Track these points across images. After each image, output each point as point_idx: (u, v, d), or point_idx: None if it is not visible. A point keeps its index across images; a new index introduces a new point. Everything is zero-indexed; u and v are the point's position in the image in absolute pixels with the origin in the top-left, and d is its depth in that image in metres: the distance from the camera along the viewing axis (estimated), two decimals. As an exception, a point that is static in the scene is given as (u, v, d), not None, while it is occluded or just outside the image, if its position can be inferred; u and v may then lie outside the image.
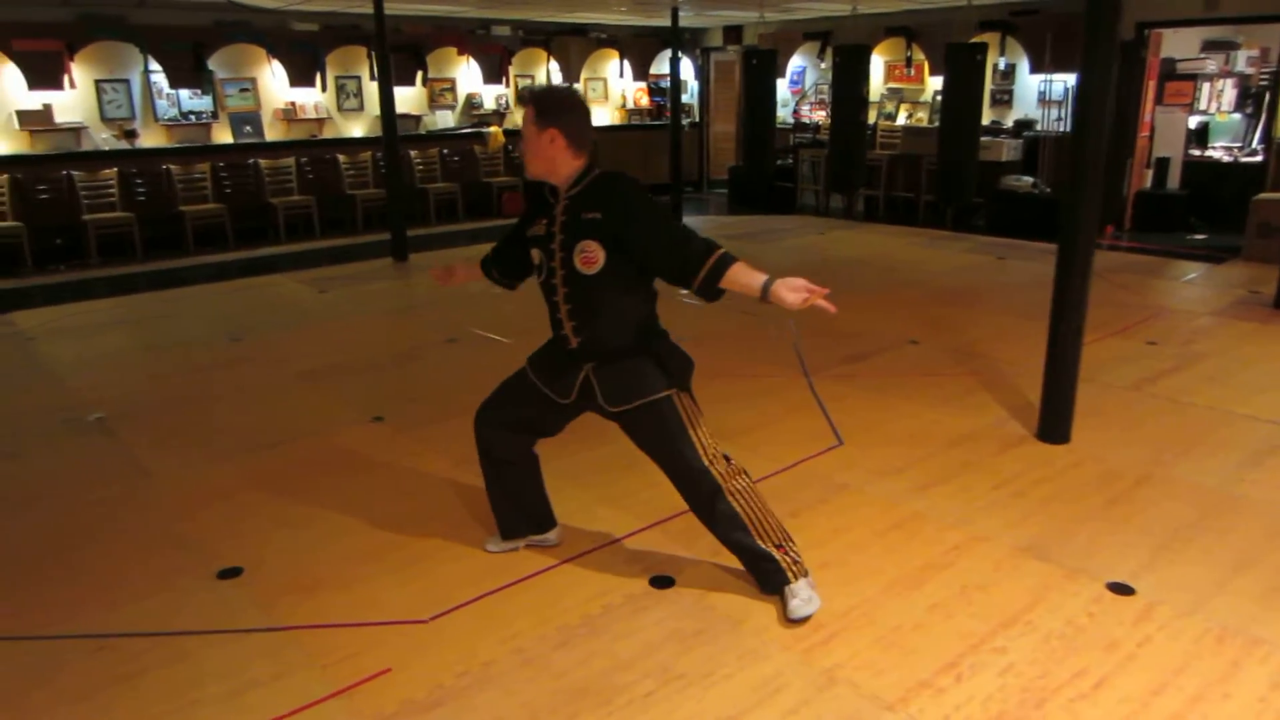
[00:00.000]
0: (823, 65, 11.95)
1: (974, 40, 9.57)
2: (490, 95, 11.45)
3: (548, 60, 11.83)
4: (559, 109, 2.48)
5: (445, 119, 11.06)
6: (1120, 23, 3.58)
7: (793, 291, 2.27)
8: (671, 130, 11.18)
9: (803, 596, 2.58)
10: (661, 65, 12.79)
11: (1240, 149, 9.36)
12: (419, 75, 10.63)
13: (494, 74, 11.33)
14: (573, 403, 2.65)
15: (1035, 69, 9.81)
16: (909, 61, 10.98)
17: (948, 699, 2.26)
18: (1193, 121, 9.35)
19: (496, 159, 11.10)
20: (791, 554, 2.62)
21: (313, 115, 9.93)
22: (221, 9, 8.95)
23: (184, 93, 9.08)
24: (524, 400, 2.74)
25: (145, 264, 8.29)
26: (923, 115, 11.00)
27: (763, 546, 2.59)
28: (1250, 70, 9.51)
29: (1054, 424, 3.85)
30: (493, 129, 11.04)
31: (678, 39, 11.08)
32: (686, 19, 11.69)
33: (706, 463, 2.55)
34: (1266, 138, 8.84)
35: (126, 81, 8.77)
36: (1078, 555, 2.92)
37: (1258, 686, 2.29)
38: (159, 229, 8.73)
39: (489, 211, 10.75)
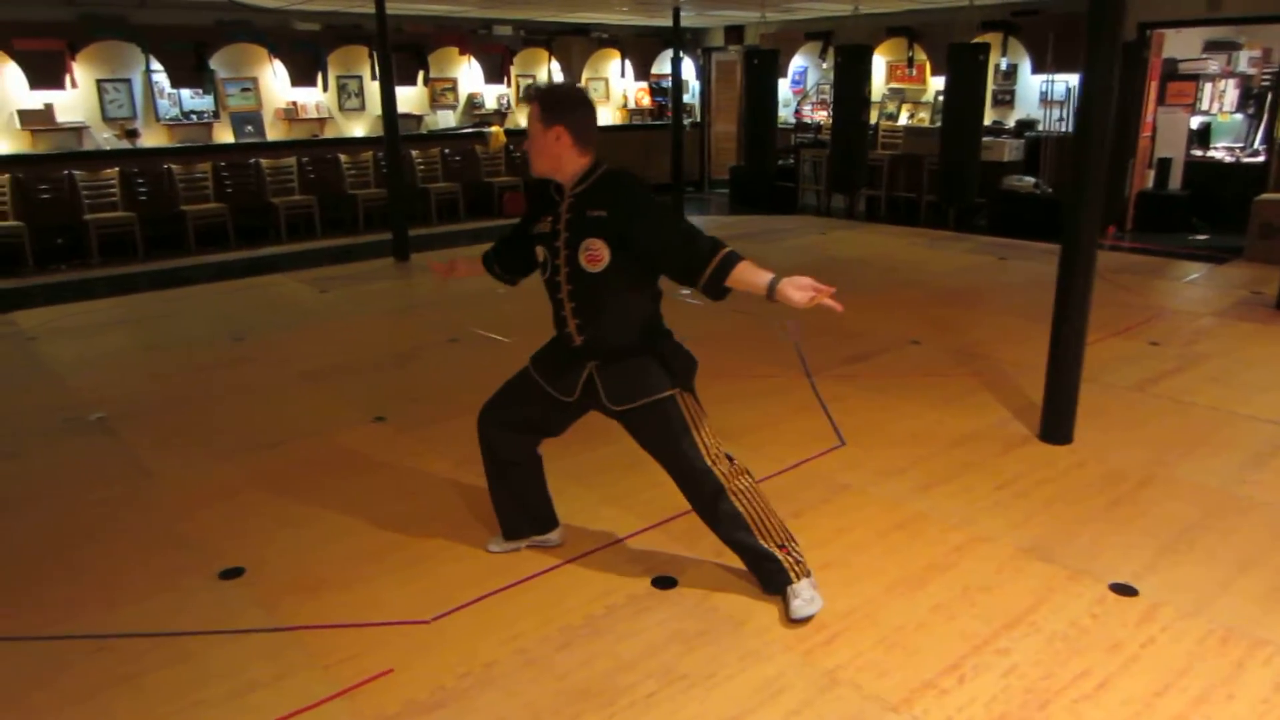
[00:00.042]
0: (824, 65, 11.94)
1: (976, 40, 9.56)
2: (492, 95, 11.45)
3: (549, 60, 11.83)
4: (564, 106, 2.46)
5: (447, 119, 11.05)
6: (1123, 23, 3.57)
7: (799, 290, 2.25)
8: (673, 130, 11.18)
9: (805, 597, 2.58)
10: (663, 65, 12.78)
11: (1242, 149, 9.35)
12: (420, 75, 10.62)
13: (495, 74, 11.32)
14: (576, 401, 2.64)
15: (1037, 69, 9.80)
16: (910, 61, 10.97)
17: (951, 700, 2.25)
18: (1195, 122, 9.35)
19: (498, 159, 11.09)
20: (794, 554, 2.62)
21: (314, 115, 9.92)
22: (223, 8, 8.95)
23: (185, 92, 9.08)
24: (527, 399, 2.73)
25: (146, 264, 8.29)
26: (924, 115, 11.00)
27: (765, 546, 2.59)
28: (1252, 71, 9.51)
29: (1056, 424, 3.84)
30: (494, 129, 11.04)
31: (679, 39, 11.08)
32: (688, 19, 11.69)
33: (709, 463, 2.55)
34: (1268, 138, 8.84)
35: (128, 81, 8.77)
36: (1081, 556, 2.92)
37: (1261, 688, 2.29)
38: (160, 228, 8.72)
39: (490, 211, 10.75)
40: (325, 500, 3.43)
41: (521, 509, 2.93)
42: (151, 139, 8.96)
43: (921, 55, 10.84)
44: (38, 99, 8.30)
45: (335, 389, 4.74)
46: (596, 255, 2.45)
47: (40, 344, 5.73)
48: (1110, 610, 2.62)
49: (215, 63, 9.16)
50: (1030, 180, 9.35)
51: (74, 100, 8.50)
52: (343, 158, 9.95)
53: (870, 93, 10.46)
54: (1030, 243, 8.45)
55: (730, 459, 2.61)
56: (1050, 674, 2.34)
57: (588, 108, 2.51)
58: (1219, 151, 9.43)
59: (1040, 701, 2.24)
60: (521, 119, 11.64)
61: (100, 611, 2.72)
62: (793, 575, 2.60)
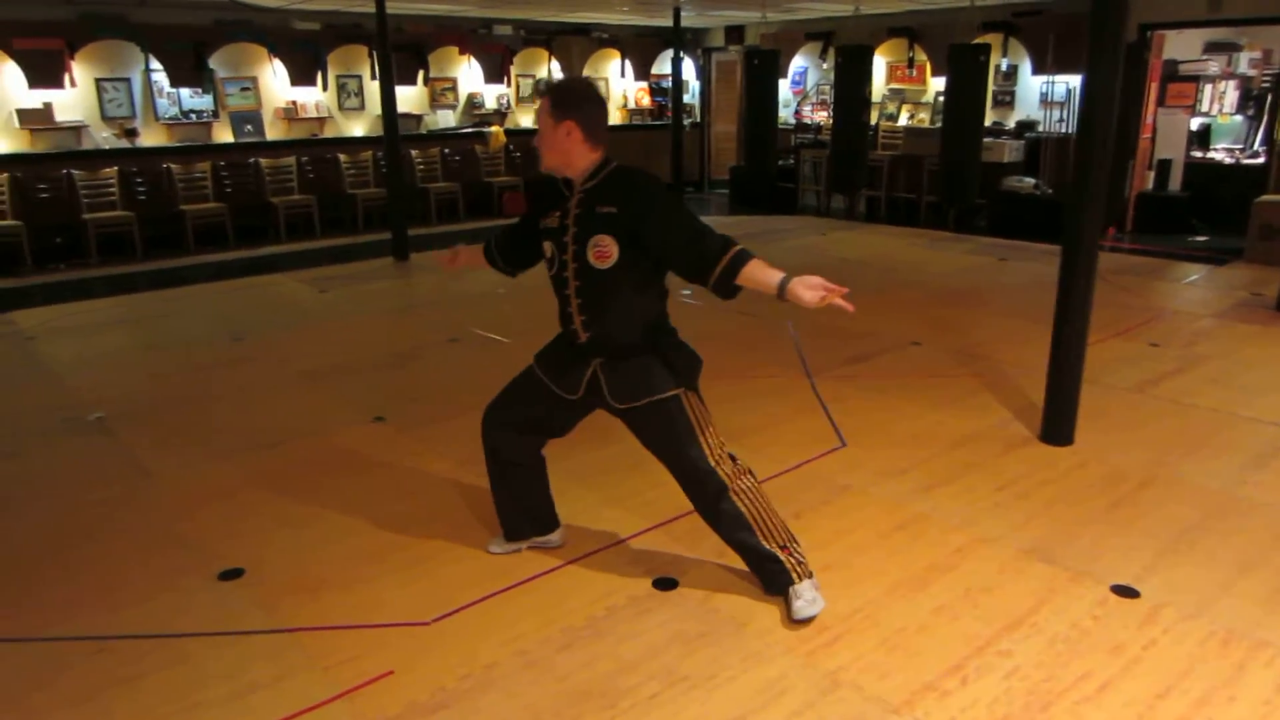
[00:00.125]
0: (824, 66, 11.94)
1: (976, 41, 9.56)
2: (492, 95, 11.44)
3: (549, 60, 11.82)
4: (576, 100, 2.44)
5: (446, 118, 11.05)
6: (1126, 24, 3.57)
7: (810, 290, 2.24)
8: (673, 130, 11.19)
9: (807, 598, 2.57)
10: (663, 65, 12.78)
11: (1242, 151, 9.35)
12: (420, 74, 10.62)
13: (495, 73, 11.32)
14: (580, 399, 2.63)
15: (1037, 70, 9.80)
16: (911, 62, 10.97)
17: (953, 702, 2.25)
18: (1195, 123, 9.35)
19: (497, 159, 11.09)
20: (796, 555, 2.61)
21: (314, 114, 9.91)
22: (222, 8, 8.94)
23: (185, 91, 9.07)
24: (531, 399, 2.72)
25: (145, 263, 8.27)
26: (924, 116, 11.00)
27: (767, 547, 2.58)
28: (1252, 72, 9.51)
29: (1057, 426, 3.84)
30: (494, 129, 11.03)
31: (679, 39, 11.09)
32: (688, 19, 11.68)
33: (713, 463, 2.54)
34: (1268, 140, 8.84)
35: (127, 80, 8.75)
36: (1082, 557, 2.92)
37: (1263, 689, 2.28)
38: (159, 228, 8.71)
39: (490, 211, 10.74)
40: (325, 501, 3.42)
41: (524, 510, 2.92)
42: (150, 138, 8.95)
43: (922, 56, 10.84)
44: (37, 98, 8.29)
45: (335, 389, 4.73)
46: (605, 252, 2.44)
47: (39, 344, 5.72)
48: (1112, 612, 2.62)
49: (215, 62, 9.15)
50: (1030, 181, 9.36)
51: (73, 99, 8.49)
52: (342, 157, 9.94)
53: (870, 93, 10.46)
54: (1030, 243, 8.45)
55: (734, 459, 2.60)
56: (1052, 676, 2.34)
57: (599, 103, 2.48)
58: (1219, 153, 9.44)
59: (1042, 703, 2.24)
60: (521, 119, 11.64)
61: (99, 612, 2.72)
62: (795, 576, 2.59)
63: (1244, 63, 9.47)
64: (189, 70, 8.95)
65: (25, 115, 8.25)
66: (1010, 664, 2.39)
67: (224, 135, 9.37)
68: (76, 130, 8.52)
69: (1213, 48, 9.48)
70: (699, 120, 13.50)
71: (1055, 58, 9.41)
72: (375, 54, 9.38)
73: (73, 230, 8.31)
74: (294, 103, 9.78)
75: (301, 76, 9.72)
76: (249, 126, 9.49)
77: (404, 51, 10.14)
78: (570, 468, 3.46)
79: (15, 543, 3.18)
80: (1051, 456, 3.73)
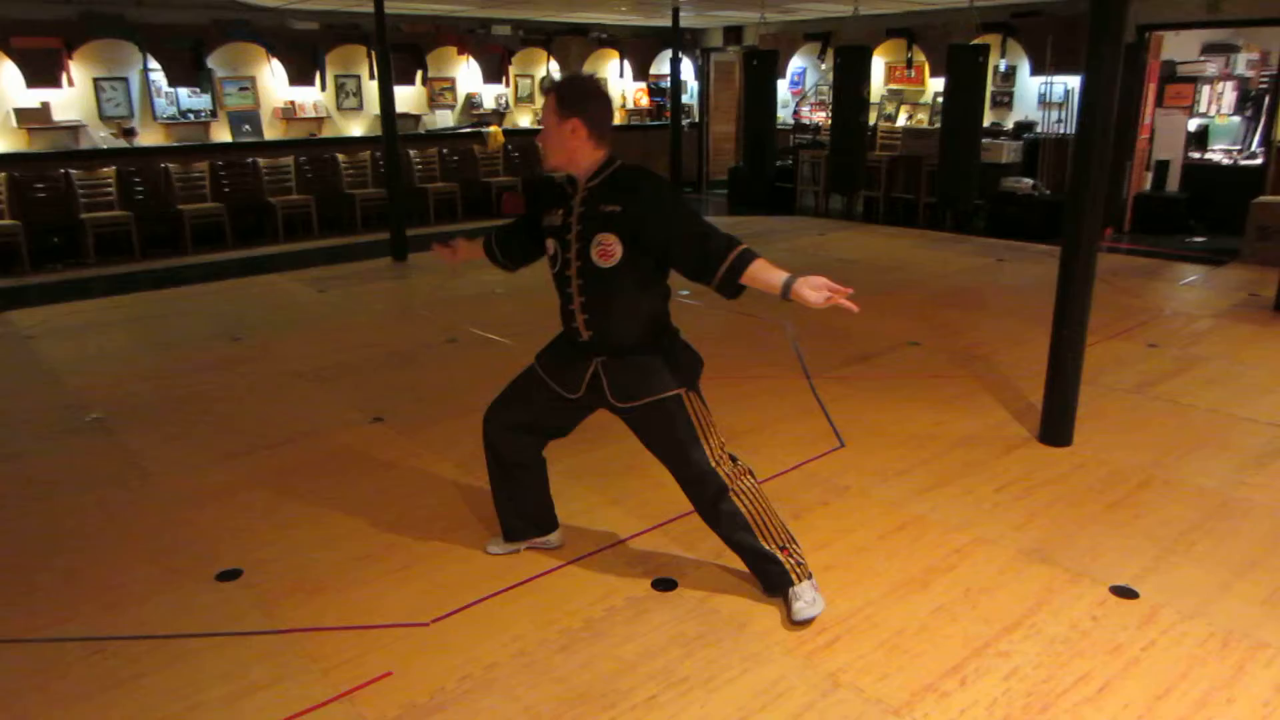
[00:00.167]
0: (823, 66, 11.95)
1: (975, 42, 9.57)
2: (490, 95, 11.43)
3: (547, 60, 11.81)
4: (581, 98, 2.42)
5: (445, 118, 11.04)
6: (1125, 26, 3.57)
7: (815, 290, 2.23)
8: (671, 131, 11.19)
9: (807, 599, 2.57)
10: (662, 65, 12.78)
11: (1239, 152, 9.36)
12: (419, 74, 10.61)
13: (494, 73, 11.31)
14: (581, 398, 2.62)
15: (1036, 71, 9.81)
16: (910, 63, 10.97)
17: (953, 703, 2.25)
18: (1192, 124, 9.36)
19: (496, 158, 11.08)
20: (795, 556, 2.61)
21: (312, 114, 9.90)
22: (221, 7, 8.93)
23: (183, 91, 9.05)
24: (533, 398, 2.71)
25: (143, 263, 8.26)
26: (923, 117, 11.00)
27: (766, 548, 2.58)
28: (1250, 73, 9.53)
29: (1056, 426, 3.84)
30: (492, 128, 11.02)
31: (678, 39, 11.09)
32: (687, 19, 11.68)
33: (713, 463, 2.54)
34: (1266, 141, 8.85)
35: (125, 80, 8.74)
36: (1081, 558, 2.92)
37: (1262, 690, 2.29)
38: (157, 228, 8.70)
39: (488, 211, 10.73)
40: (323, 501, 3.41)
41: (524, 511, 2.91)
42: (148, 138, 8.94)
43: (920, 56, 10.85)
44: (34, 97, 8.27)
45: (333, 389, 4.73)
46: (609, 250, 2.43)
47: (36, 343, 5.71)
48: (1111, 613, 2.62)
49: (213, 62, 9.14)
50: (1028, 182, 9.36)
51: (71, 99, 8.47)
52: (340, 157, 9.93)
53: (869, 94, 10.46)
54: (1028, 244, 8.45)
55: (734, 460, 2.60)
56: (1051, 677, 2.34)
57: (604, 100, 2.47)
58: (1216, 154, 9.45)
59: (1042, 704, 2.24)
60: (519, 119, 11.63)
61: (97, 613, 2.71)
62: (794, 577, 2.59)
63: (1242, 64, 9.48)
64: (187, 70, 8.94)
65: (23, 114, 8.23)
66: (1009, 665, 2.39)
67: (222, 135, 9.36)
68: (74, 130, 8.51)
69: (1211, 49, 9.50)
70: (697, 121, 13.50)
71: (1054, 58, 9.42)
72: (374, 54, 9.39)
73: (70, 230, 8.29)
74: (292, 102, 9.77)
75: (300, 76, 9.71)
76: (247, 126, 9.48)
77: (402, 51, 10.13)
78: (569, 468, 3.46)
79: (13, 543, 3.17)
80: (1050, 457, 3.73)
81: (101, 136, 8.66)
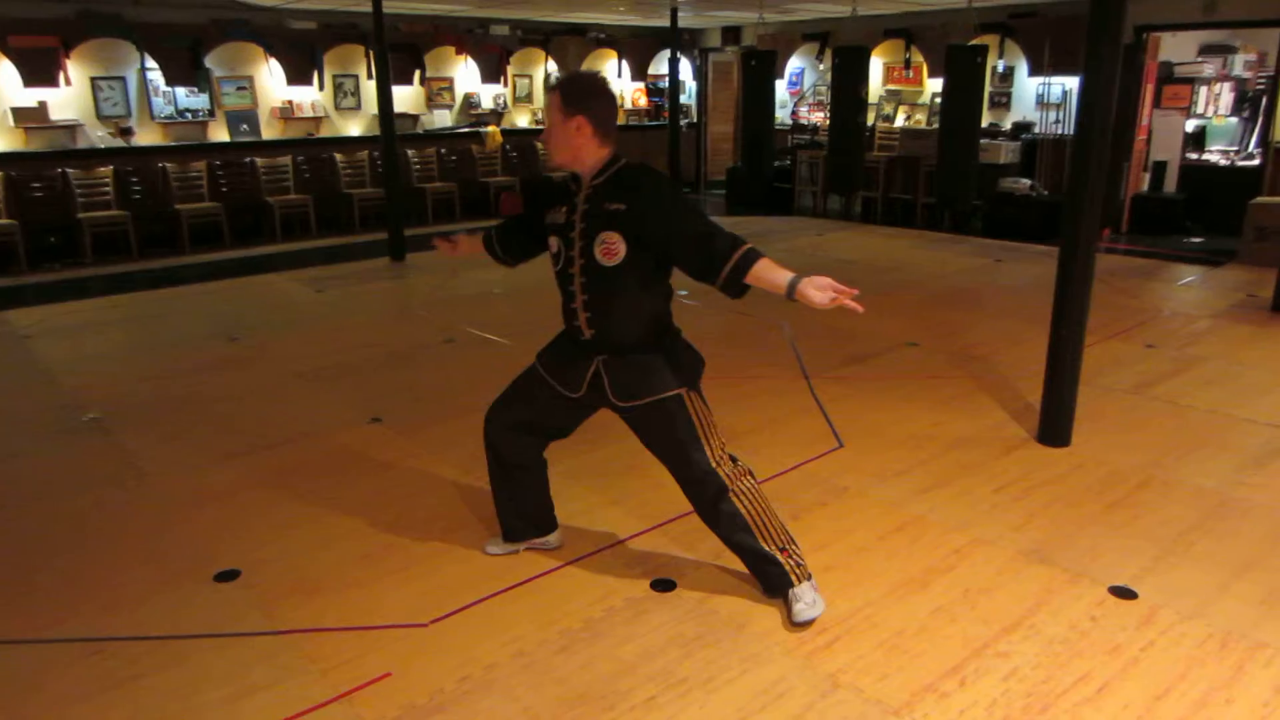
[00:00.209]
0: (821, 66, 11.96)
1: (973, 42, 9.58)
2: (488, 95, 11.43)
3: (546, 60, 11.81)
4: (586, 95, 2.41)
5: (443, 118, 11.03)
6: (1124, 26, 3.57)
7: (820, 291, 2.22)
8: (669, 131, 11.19)
9: (807, 600, 2.57)
10: (660, 65, 12.78)
11: (1237, 153, 9.38)
12: (417, 74, 10.60)
13: (492, 73, 11.31)
14: (582, 397, 2.61)
15: (1034, 71, 9.82)
16: (908, 63, 10.99)
17: (952, 703, 2.25)
18: (1190, 125, 9.38)
19: (494, 158, 11.08)
20: (795, 557, 2.61)
21: (310, 114, 9.89)
22: (219, 6, 8.92)
23: (180, 90, 9.04)
24: (534, 398, 2.71)
25: (141, 262, 8.24)
26: (921, 117, 11.01)
27: (766, 549, 2.58)
28: (1247, 74, 9.54)
29: (1055, 427, 3.84)
30: (490, 128, 11.02)
31: (676, 39, 11.08)
32: (685, 19, 11.69)
33: (714, 464, 2.53)
34: (1263, 141, 8.87)
35: (123, 79, 8.72)
36: (1080, 559, 2.92)
37: (1261, 691, 2.29)
38: (154, 227, 8.68)
39: (486, 211, 10.72)
40: (322, 502, 3.41)
41: (524, 512, 2.91)
42: (146, 137, 8.92)
43: (918, 57, 10.86)
44: (31, 96, 8.25)
45: (331, 389, 4.72)
46: (612, 249, 2.42)
47: (33, 343, 5.70)
48: (1110, 613, 2.62)
49: (211, 61, 9.12)
50: (1026, 182, 9.37)
51: (68, 98, 8.46)
52: (338, 157, 9.92)
53: (867, 94, 10.47)
54: (1026, 245, 8.46)
55: (734, 460, 2.60)
56: (1051, 677, 2.34)
57: (609, 98, 2.46)
58: (1214, 155, 9.46)
59: (1041, 705, 2.24)
60: (518, 119, 11.63)
61: (96, 614, 2.70)
62: (794, 578, 2.58)
63: (1239, 65, 9.49)
64: (185, 69, 8.93)
65: (20, 114, 8.21)
66: (1009, 666, 2.39)
67: (220, 134, 9.34)
68: (71, 129, 8.49)
69: (1208, 50, 9.51)
70: (696, 121, 13.50)
71: (1052, 59, 9.44)
72: (372, 53, 9.38)
73: (68, 229, 8.28)
74: (290, 102, 9.76)
75: (298, 76, 9.70)
76: (245, 126, 9.46)
77: (400, 51, 10.12)
78: (569, 468, 3.46)
79: (10, 544, 3.16)
80: (1049, 458, 3.73)
81: (99, 136, 8.64)
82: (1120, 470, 3.59)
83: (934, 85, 10.68)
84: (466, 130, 10.97)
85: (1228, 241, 8.14)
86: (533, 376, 2.72)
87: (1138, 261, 7.80)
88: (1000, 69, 10.25)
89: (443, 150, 10.67)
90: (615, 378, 2.53)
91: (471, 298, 6.72)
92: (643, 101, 13.01)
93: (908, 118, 11.17)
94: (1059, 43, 9.28)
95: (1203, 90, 9.40)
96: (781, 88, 12.25)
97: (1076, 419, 3.85)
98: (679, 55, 11.31)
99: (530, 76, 11.78)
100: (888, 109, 11.31)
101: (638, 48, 12.73)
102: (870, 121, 10.89)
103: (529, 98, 11.80)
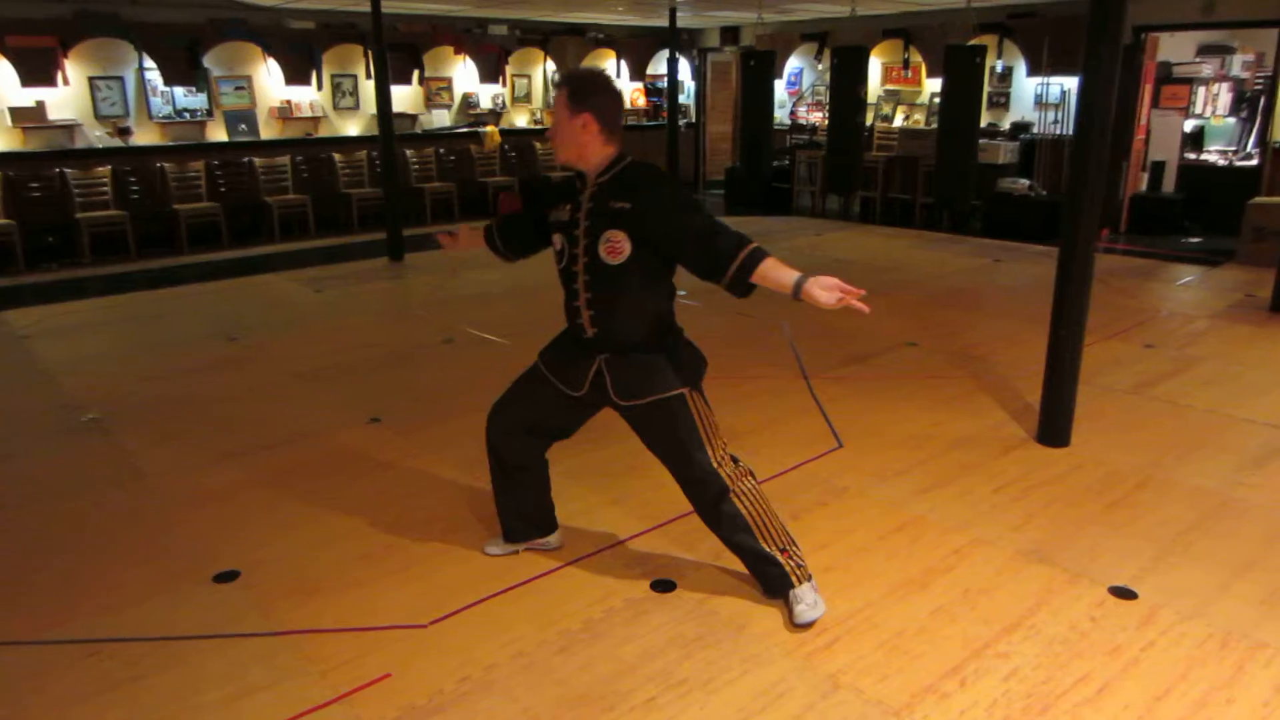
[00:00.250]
0: (820, 66, 11.96)
1: (972, 43, 9.58)
2: (487, 95, 11.42)
3: (544, 60, 11.81)
4: (592, 92, 2.40)
5: (441, 118, 11.02)
6: (1123, 27, 3.57)
7: (826, 291, 2.21)
8: (668, 131, 11.18)
9: (808, 601, 2.57)
10: (658, 65, 12.78)
11: (1235, 153, 9.39)
12: (415, 74, 10.59)
13: (490, 73, 11.30)
14: (584, 396, 2.61)
15: (1032, 72, 9.83)
16: (906, 63, 10.99)
17: (953, 704, 2.25)
18: (1188, 125, 9.38)
19: (492, 158, 11.07)
20: (795, 558, 2.60)
21: (308, 114, 9.88)
22: (217, 6, 8.91)
23: (179, 90, 9.03)
24: (536, 397, 2.70)
25: (139, 262, 8.23)
26: (919, 117, 11.02)
27: (767, 550, 2.57)
28: (1245, 74, 9.55)
29: (1054, 427, 3.85)
30: (489, 128, 11.01)
31: (675, 39, 11.08)
32: (684, 19, 11.68)
33: (715, 464, 2.53)
34: (1261, 142, 8.88)
35: (121, 79, 8.71)
36: (1080, 559, 2.92)
37: (1262, 691, 2.29)
38: (153, 227, 8.67)
39: (484, 211, 10.71)
40: (321, 502, 3.40)
41: (524, 513, 2.90)
42: (144, 137, 8.91)
43: (917, 57, 10.86)
44: (29, 96, 8.24)
45: (330, 390, 4.71)
46: (617, 248, 2.41)
47: (31, 343, 5.69)
48: (1109, 613, 2.62)
49: (209, 61, 9.11)
50: (1025, 182, 9.38)
51: (66, 98, 8.44)
52: (337, 157, 9.91)
53: (866, 94, 10.47)
54: (1025, 245, 8.46)
55: (735, 461, 2.59)
56: (1051, 678, 2.34)
57: (615, 96, 2.45)
58: (1212, 155, 9.47)
59: (1042, 705, 2.24)
60: (516, 118, 11.62)
61: (94, 615, 2.70)
62: (794, 579, 2.58)
63: (1237, 65, 9.50)
64: (183, 69, 8.91)
65: (18, 113, 8.20)
66: (1009, 666, 2.39)
67: (218, 134, 9.33)
68: (69, 129, 8.47)
69: (1206, 50, 9.52)
70: (694, 121, 13.50)
71: (1050, 59, 9.44)
72: (370, 53, 9.37)
73: (65, 229, 8.26)
74: (288, 102, 9.75)
75: (296, 76, 9.68)
76: (243, 126, 9.45)
77: (399, 51, 10.11)
78: (569, 468, 3.45)
79: (9, 544, 3.15)
80: (1048, 458, 3.73)
81: (97, 136, 8.63)
82: (1119, 470, 3.59)
83: (933, 85, 10.68)
84: (465, 130, 10.96)
85: (1226, 241, 8.15)
86: (534, 375, 2.71)
87: (1136, 261, 7.80)
88: (999, 69, 10.26)
89: (441, 150, 10.66)
90: (617, 377, 2.53)
91: (471, 298, 6.72)
92: (641, 101, 13.01)
93: (906, 118, 11.17)
94: (1057, 43, 9.29)
95: (1201, 90, 9.41)
96: (780, 88, 12.24)
97: (1076, 419, 3.86)
98: (677, 55, 11.31)
99: (529, 76, 11.77)
100: (886, 109, 11.32)
101: (636, 48, 12.73)
102: (869, 121, 10.89)
103: (527, 98, 11.80)
